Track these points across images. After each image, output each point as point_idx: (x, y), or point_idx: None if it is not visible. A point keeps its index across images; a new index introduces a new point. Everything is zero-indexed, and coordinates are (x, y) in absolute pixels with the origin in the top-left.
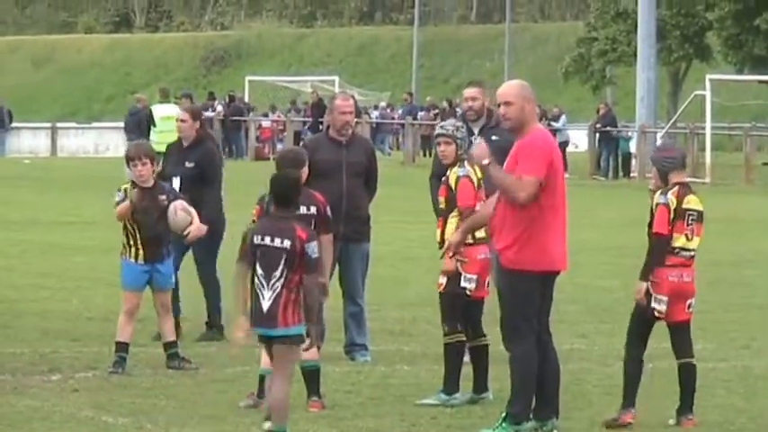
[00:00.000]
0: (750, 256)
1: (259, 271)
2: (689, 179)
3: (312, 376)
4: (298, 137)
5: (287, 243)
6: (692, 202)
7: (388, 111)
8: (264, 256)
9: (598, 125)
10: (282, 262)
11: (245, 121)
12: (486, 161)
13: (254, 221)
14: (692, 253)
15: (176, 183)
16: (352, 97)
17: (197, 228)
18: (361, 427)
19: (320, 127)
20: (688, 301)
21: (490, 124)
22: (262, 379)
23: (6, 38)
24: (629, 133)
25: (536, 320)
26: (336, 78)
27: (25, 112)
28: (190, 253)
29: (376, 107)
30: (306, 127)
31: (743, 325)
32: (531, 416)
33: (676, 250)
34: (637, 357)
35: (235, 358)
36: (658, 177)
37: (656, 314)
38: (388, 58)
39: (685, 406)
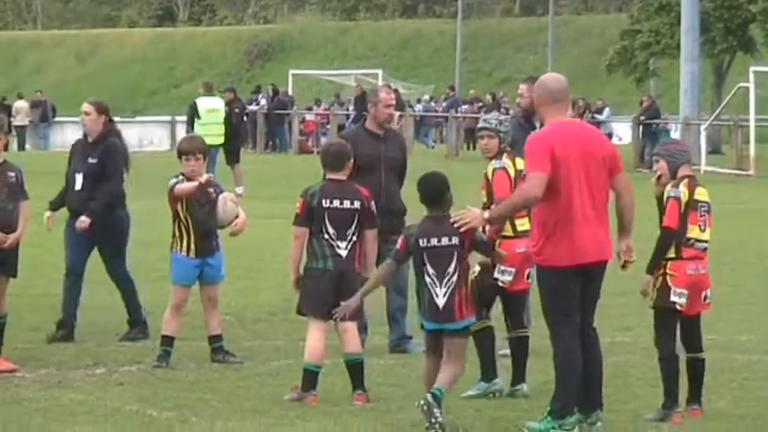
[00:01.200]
0: None
1: (430, 270)
2: (735, 171)
3: (356, 369)
4: (341, 130)
5: (455, 240)
6: (702, 194)
7: (432, 104)
8: (435, 256)
9: (642, 117)
10: (455, 259)
11: (288, 114)
12: (485, 217)
13: (297, 215)
14: (706, 245)
15: (79, 179)
16: (396, 90)
17: (243, 220)
18: (406, 420)
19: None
20: (703, 293)
21: None
22: (306, 372)
23: (50, 32)
24: (669, 125)
25: (576, 315)
26: (380, 72)
27: (69, 106)
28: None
29: (419, 100)
30: (349, 120)
31: None
32: (576, 409)
33: (691, 241)
34: (670, 353)
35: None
36: (668, 171)
37: (678, 308)
38: (432, 51)
39: (693, 397)
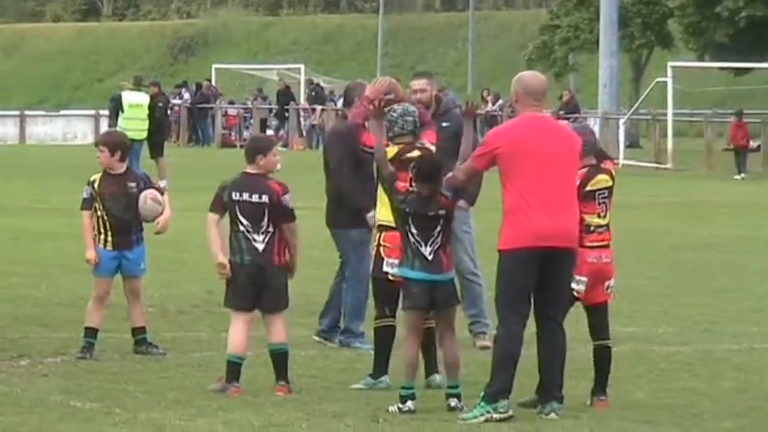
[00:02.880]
0: (711, 240)
1: (415, 231)
2: (653, 164)
3: (280, 359)
4: (264, 124)
5: (441, 212)
6: (600, 181)
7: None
8: (422, 221)
9: (561, 112)
10: (439, 225)
11: (211, 108)
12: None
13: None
14: (605, 228)
15: None
16: (318, 85)
17: (166, 219)
18: (327, 411)
19: (285, 114)
20: (606, 283)
21: (440, 111)
22: (230, 364)
23: None
24: (588, 120)
25: (525, 304)
26: (302, 66)
27: None
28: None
29: (340, 95)
30: (272, 114)
31: (704, 309)
32: (535, 397)
33: (591, 227)
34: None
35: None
36: None
37: (576, 294)
38: (354, 45)
39: (599, 387)
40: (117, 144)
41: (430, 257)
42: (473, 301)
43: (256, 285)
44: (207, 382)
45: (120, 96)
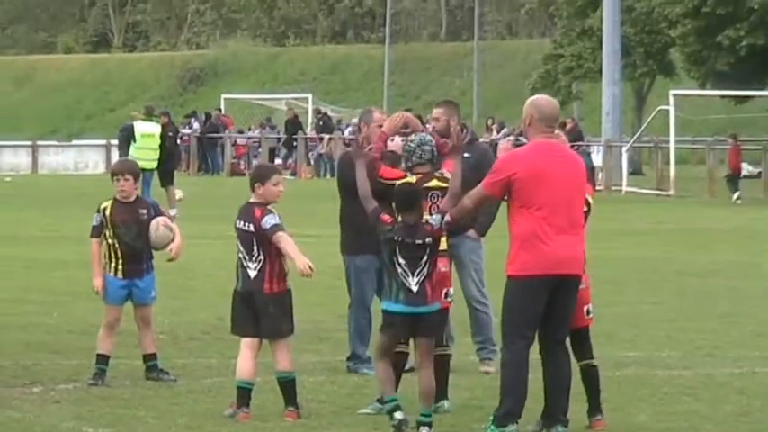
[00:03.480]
0: (713, 267)
1: (402, 261)
2: (656, 191)
3: (288, 386)
4: (272, 153)
5: (428, 240)
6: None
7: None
8: (410, 251)
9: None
10: (426, 254)
11: (220, 137)
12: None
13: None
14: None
15: None
16: (325, 114)
17: (178, 245)
18: None
19: (294, 143)
20: (585, 308)
21: (465, 140)
22: (239, 389)
23: None
24: (591, 147)
25: (531, 329)
26: (310, 96)
27: (6, 130)
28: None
29: (348, 124)
30: (280, 143)
31: (707, 333)
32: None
33: None
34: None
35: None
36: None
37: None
38: (360, 75)
39: (593, 407)
40: (137, 172)
41: (415, 289)
42: (480, 328)
43: (251, 312)
44: (217, 408)
45: (131, 126)
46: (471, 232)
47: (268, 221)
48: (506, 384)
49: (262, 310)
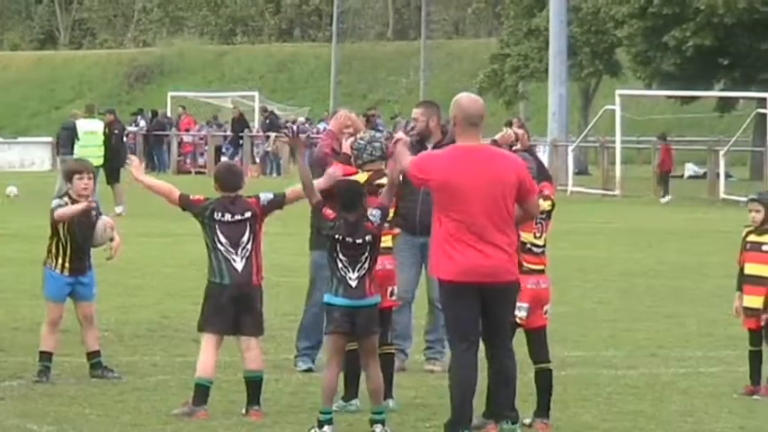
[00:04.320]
0: (658, 267)
1: (343, 258)
2: (602, 191)
3: (257, 386)
4: (218, 151)
5: (368, 238)
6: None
7: (308, 125)
8: (350, 249)
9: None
10: (367, 252)
11: (167, 135)
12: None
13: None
14: (542, 248)
15: None
16: (272, 113)
17: (117, 244)
18: None
19: (240, 142)
20: (545, 308)
21: (444, 142)
22: (198, 387)
23: None
24: (538, 147)
25: (470, 333)
26: (256, 94)
27: None
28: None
29: (294, 122)
30: (227, 141)
31: (651, 333)
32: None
33: (527, 245)
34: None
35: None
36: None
37: (518, 321)
38: (307, 74)
39: (542, 410)
40: (94, 170)
41: (354, 284)
42: (435, 327)
43: (235, 308)
44: (162, 406)
45: (74, 125)
46: None
47: (266, 196)
48: (453, 391)
49: (249, 306)
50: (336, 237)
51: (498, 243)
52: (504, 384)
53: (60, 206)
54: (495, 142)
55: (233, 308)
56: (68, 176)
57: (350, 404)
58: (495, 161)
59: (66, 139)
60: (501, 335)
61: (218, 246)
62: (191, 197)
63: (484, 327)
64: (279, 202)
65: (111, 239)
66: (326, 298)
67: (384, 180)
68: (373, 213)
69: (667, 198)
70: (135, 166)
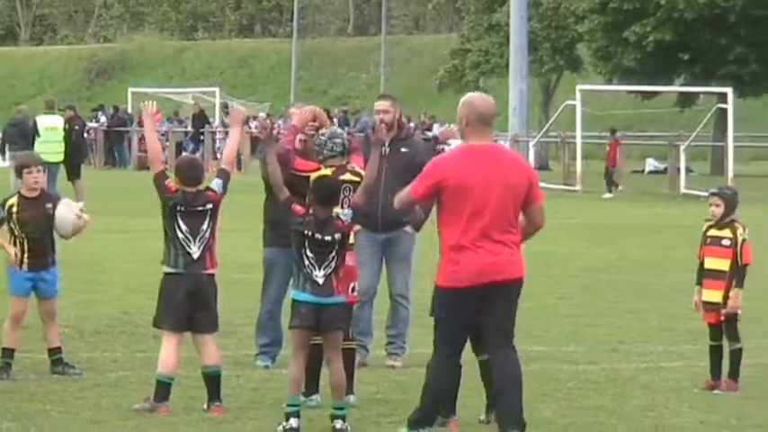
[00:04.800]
0: (619, 262)
1: (310, 255)
2: (563, 186)
3: (216, 381)
4: (179, 147)
5: (337, 236)
6: None
7: (268, 121)
8: (318, 246)
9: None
10: (335, 250)
11: (128, 131)
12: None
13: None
14: None
15: None
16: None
17: (86, 221)
18: (241, 430)
19: (201, 137)
20: None
21: (400, 136)
22: (159, 384)
23: None
24: (499, 142)
25: (458, 340)
26: (217, 89)
27: None
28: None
29: (255, 118)
30: (187, 137)
31: (613, 329)
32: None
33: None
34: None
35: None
36: None
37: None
38: (268, 69)
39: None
40: (44, 164)
41: (321, 281)
42: (396, 322)
43: (190, 303)
44: (122, 402)
45: (34, 121)
46: (408, 228)
47: (217, 184)
48: (426, 390)
49: (203, 302)
50: (305, 232)
51: (504, 241)
52: (513, 388)
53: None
54: (436, 138)
55: (188, 304)
56: (18, 171)
57: (310, 399)
58: (509, 162)
59: (17, 135)
60: (505, 334)
61: (178, 233)
62: (166, 181)
63: (486, 328)
64: (227, 180)
65: (80, 218)
66: (293, 294)
67: (348, 176)
68: (345, 212)
69: (610, 195)
70: (150, 111)
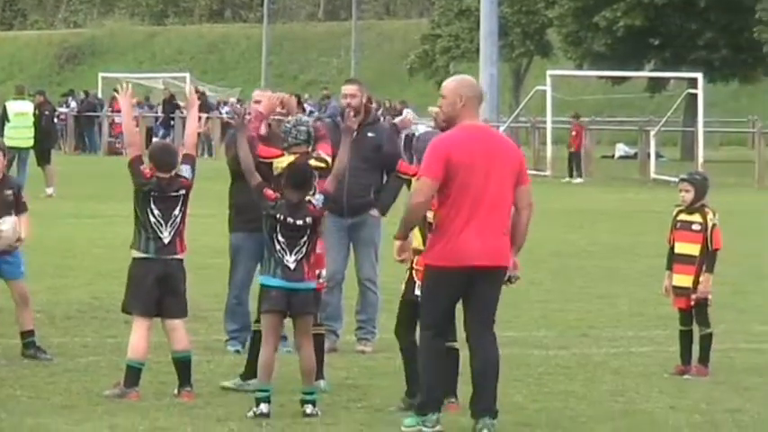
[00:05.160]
0: (589, 248)
1: (282, 240)
2: (533, 171)
3: (186, 366)
4: (150, 132)
5: (308, 220)
6: None
7: (239, 106)
8: (290, 231)
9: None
10: (306, 235)
11: (98, 116)
12: (397, 244)
13: None
14: None
15: None
16: (203, 93)
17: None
18: (212, 415)
19: (171, 123)
20: None
21: (368, 120)
22: (129, 369)
23: None
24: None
25: (446, 319)
26: (187, 75)
27: None
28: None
29: (225, 103)
30: (158, 123)
31: (583, 313)
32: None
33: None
34: (411, 342)
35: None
36: None
37: (419, 300)
38: (239, 55)
39: (451, 390)
40: (5, 149)
41: (292, 266)
42: (365, 307)
43: (159, 287)
44: (93, 387)
45: (4, 106)
46: (374, 211)
47: (187, 169)
48: (421, 373)
49: (173, 287)
50: (277, 216)
51: (497, 226)
52: (491, 374)
53: None
54: (394, 125)
55: (157, 289)
56: None
57: (247, 384)
58: (503, 143)
59: None
60: (487, 319)
61: (150, 218)
62: (141, 167)
63: (469, 311)
64: (194, 165)
65: (18, 240)
66: (263, 280)
67: (313, 162)
68: (317, 198)
69: (578, 180)
70: (127, 93)
